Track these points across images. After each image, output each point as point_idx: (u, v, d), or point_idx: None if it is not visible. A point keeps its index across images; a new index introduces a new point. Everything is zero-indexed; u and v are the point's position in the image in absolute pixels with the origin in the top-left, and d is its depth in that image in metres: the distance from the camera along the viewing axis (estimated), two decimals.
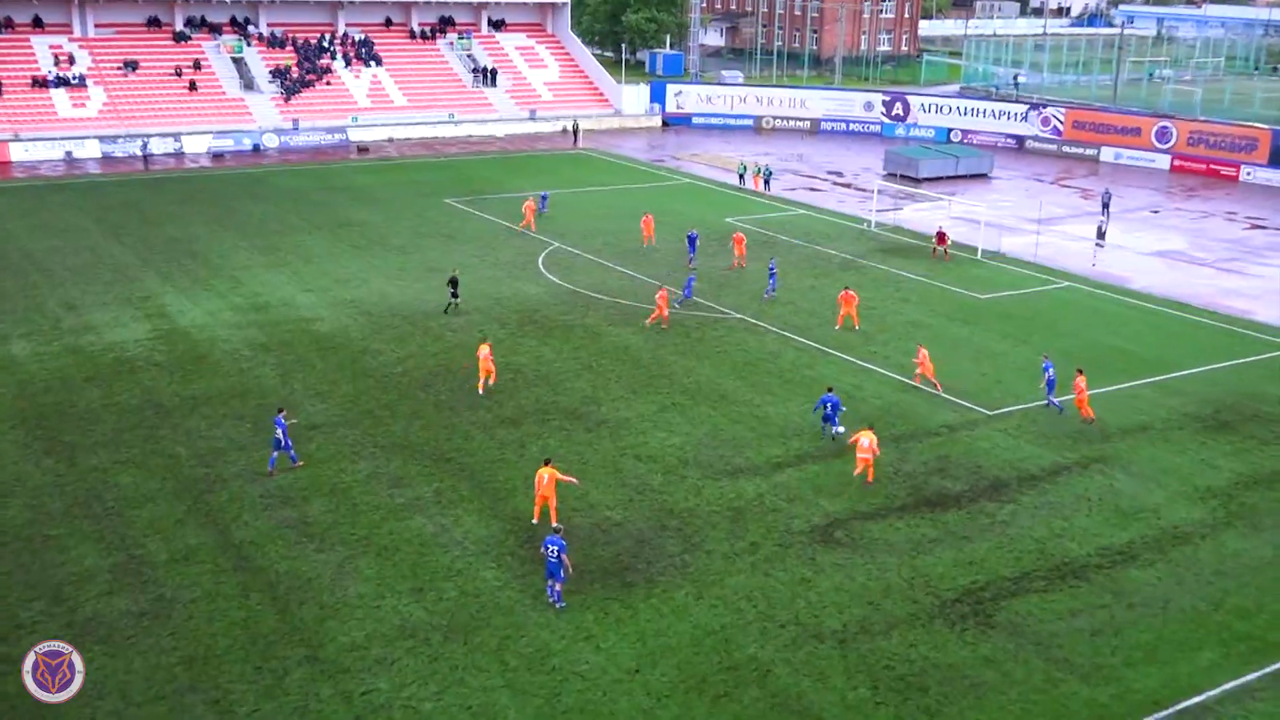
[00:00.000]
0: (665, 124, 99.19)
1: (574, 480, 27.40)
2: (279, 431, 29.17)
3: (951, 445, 31.97)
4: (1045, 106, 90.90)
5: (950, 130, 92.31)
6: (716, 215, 61.94)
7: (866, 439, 29.32)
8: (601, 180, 72.43)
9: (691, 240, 50.77)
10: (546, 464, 26.61)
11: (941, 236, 53.99)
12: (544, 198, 61.28)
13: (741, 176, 71.84)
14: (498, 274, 48.75)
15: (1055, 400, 34.56)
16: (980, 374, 37.51)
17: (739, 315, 43.41)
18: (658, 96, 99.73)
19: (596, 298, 45.30)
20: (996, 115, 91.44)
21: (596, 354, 38.63)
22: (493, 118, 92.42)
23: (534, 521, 26.79)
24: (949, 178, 75.74)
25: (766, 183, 69.62)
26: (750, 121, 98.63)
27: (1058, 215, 64.85)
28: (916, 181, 73.18)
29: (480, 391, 34.52)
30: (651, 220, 55.06)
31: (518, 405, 33.98)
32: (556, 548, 23.48)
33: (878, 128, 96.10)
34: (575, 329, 41.27)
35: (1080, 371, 34.51)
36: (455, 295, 42.70)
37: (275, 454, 29.32)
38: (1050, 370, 34.99)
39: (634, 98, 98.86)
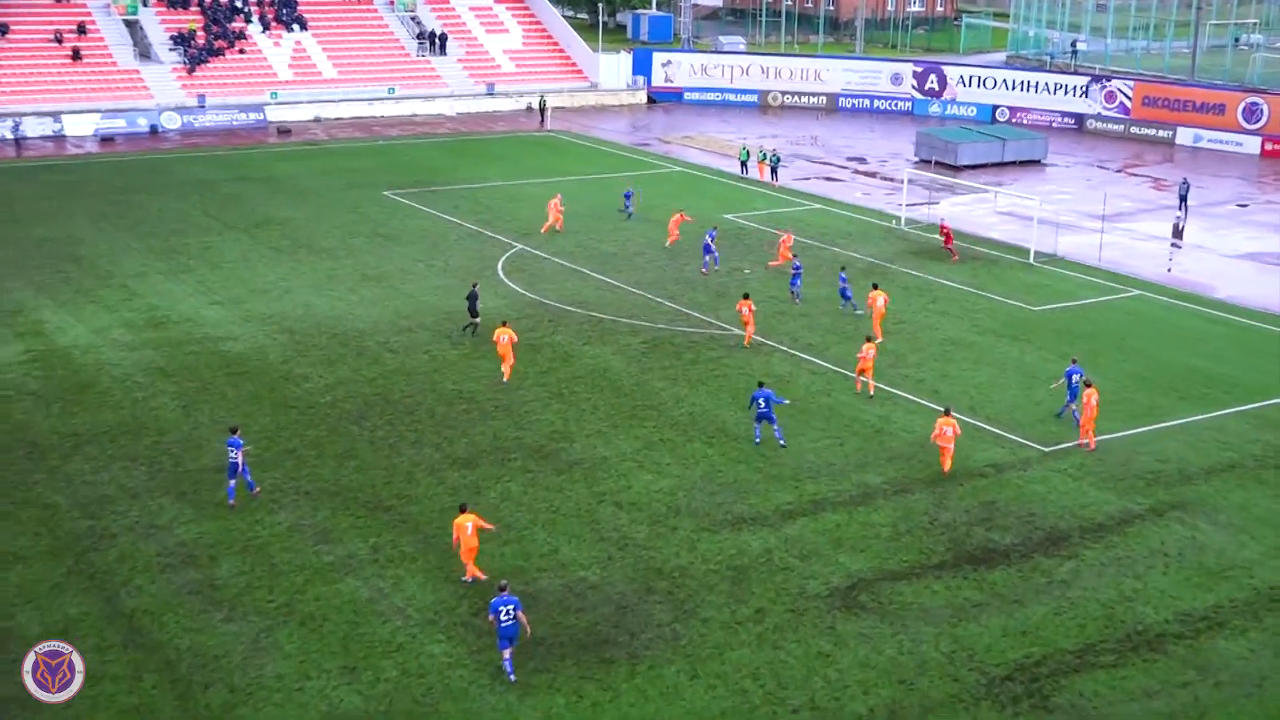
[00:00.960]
0: (651, 101, 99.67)
1: (492, 527, 27.44)
2: (234, 453, 29.75)
3: (999, 489, 32.05)
4: (1110, 79, 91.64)
5: (995, 108, 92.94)
6: (714, 210, 62.13)
7: (950, 427, 32.42)
8: (574, 168, 72.63)
9: (708, 245, 51.15)
10: (464, 511, 26.72)
11: (946, 233, 54.52)
12: (628, 197, 59.94)
13: (744, 164, 72.22)
14: (449, 282, 48.80)
15: (1076, 412, 35.38)
16: (1034, 403, 37.64)
17: (741, 331, 43.50)
18: (642, 68, 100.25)
19: (568, 310, 45.38)
20: (1051, 90, 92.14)
21: (568, 379, 38.64)
22: (442, 93, 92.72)
23: (468, 580, 26.69)
24: (994, 165, 76.28)
25: (774, 171, 69.97)
26: (754, 98, 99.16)
27: (1125, 210, 65.28)
28: (955, 170, 73.68)
29: (505, 380, 38.05)
30: (680, 219, 55.56)
31: (472, 442, 33.93)
32: (511, 606, 23.40)
33: (908, 105, 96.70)
34: (542, 349, 41.30)
35: (1090, 384, 34.74)
36: (475, 313, 42.26)
37: (233, 482, 29.95)
38: (1074, 378, 35.79)
39: (613, 69, 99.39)
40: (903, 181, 64.89)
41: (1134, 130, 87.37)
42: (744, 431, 34.91)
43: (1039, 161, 78.41)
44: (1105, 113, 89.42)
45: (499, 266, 51.30)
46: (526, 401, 36.90)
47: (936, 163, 74.29)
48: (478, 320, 42.50)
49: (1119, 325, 45.74)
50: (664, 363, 40.37)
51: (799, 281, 47.39)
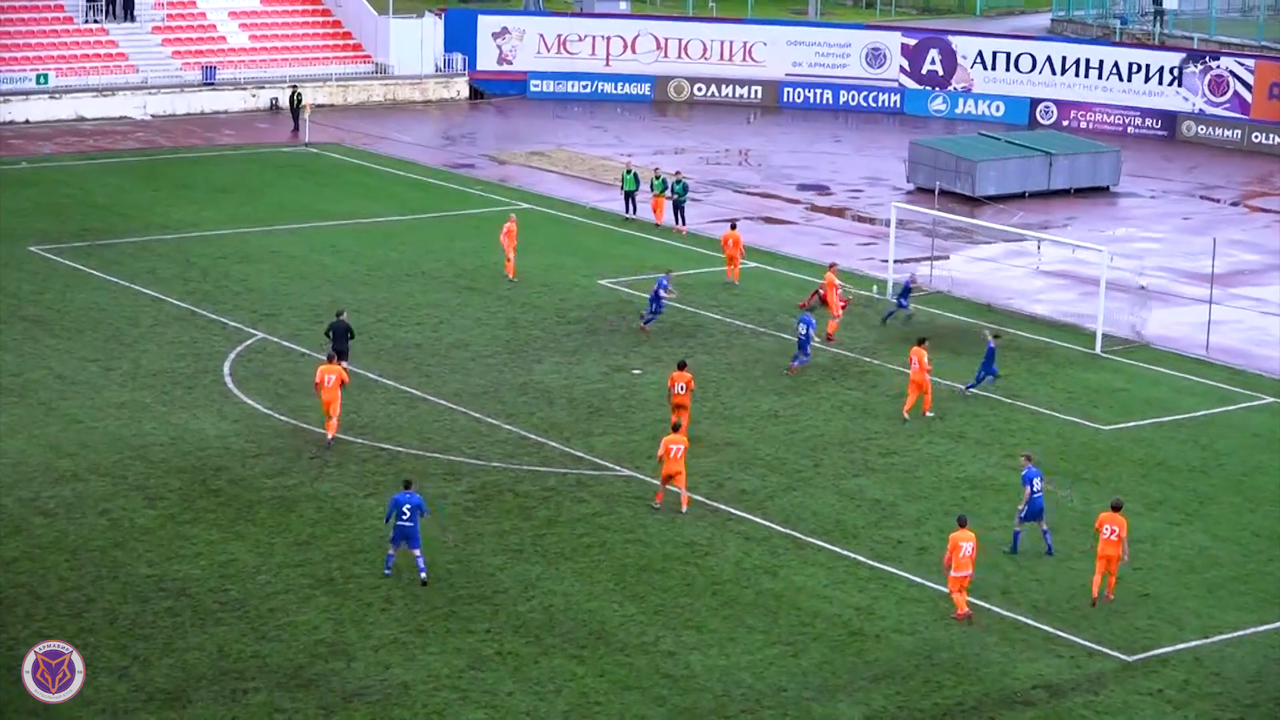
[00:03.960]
0: (477, 94, 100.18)
1: None
2: None
3: None
4: (1217, 56, 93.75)
5: (1036, 103, 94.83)
6: (584, 273, 62.46)
7: (969, 542, 35.62)
8: (349, 207, 72.86)
9: (657, 297, 54.93)
10: None
11: (827, 294, 56.42)
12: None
13: (630, 196, 72.49)
14: (142, 396, 48.45)
15: (1048, 538, 38.55)
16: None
17: (627, 471, 43.64)
18: (461, 41, 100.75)
19: (342, 440, 45.16)
20: (1124, 74, 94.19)
21: (342, 555, 38.32)
22: (129, 82, 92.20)
23: None
24: (1036, 195, 77.71)
25: (678, 210, 70.44)
26: (646, 88, 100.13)
27: (1248, 266, 66.90)
28: (973, 203, 74.76)
29: (330, 438, 44.27)
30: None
31: (181, 664, 33.37)
32: None
33: (895, 99, 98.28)
34: (299, 505, 41.03)
35: (1118, 509, 36.16)
36: (343, 354, 47.71)
37: None
38: (1035, 483, 38.38)
39: (413, 44, 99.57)
40: (888, 224, 65.43)
41: (1257, 138, 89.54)
42: (637, 636, 34.84)
43: (1107, 189, 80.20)
44: (1211, 110, 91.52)
45: (225, 368, 50.91)
46: (274, 593, 36.42)
47: (943, 192, 74.50)
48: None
49: (1241, 454, 46.58)
50: (502, 524, 40.25)
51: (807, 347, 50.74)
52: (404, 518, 36.38)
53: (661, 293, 55.03)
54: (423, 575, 36.62)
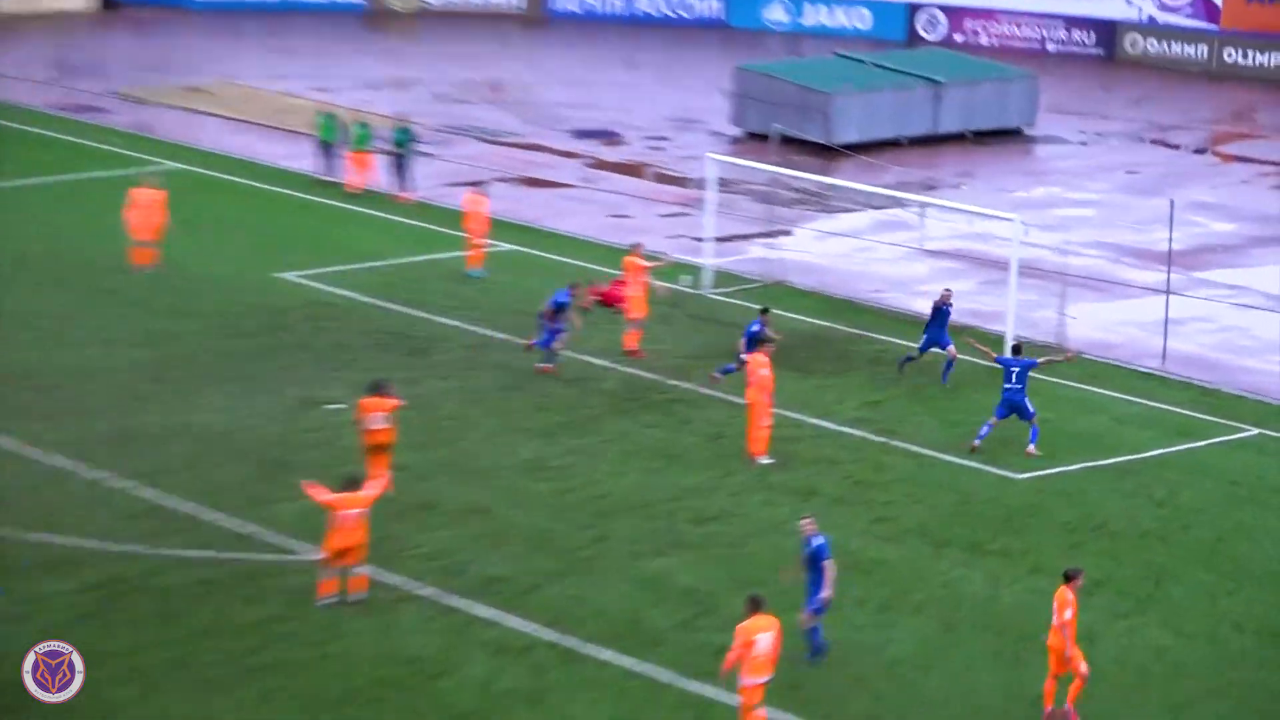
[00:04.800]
0: (110, 4, 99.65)
1: None
2: None
3: None
4: None
5: (916, 10, 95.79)
6: (260, 263, 62.06)
7: (768, 634, 34.94)
8: None
9: (557, 306, 53.93)
10: None
11: (615, 289, 57.70)
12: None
13: (327, 149, 72.51)
14: None
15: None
16: (1027, 695, 37.94)
17: (322, 553, 43.11)
18: None
19: None
20: None
21: None
22: None
23: None
24: (917, 142, 79.16)
25: (400, 164, 70.53)
26: None
27: (1219, 238, 67.89)
28: (828, 153, 75.25)
29: None
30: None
31: None
32: None
33: (715, 6, 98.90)
34: None
35: (1069, 580, 35.86)
36: None
37: None
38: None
39: None
40: (704, 184, 65.80)
41: (1230, 57, 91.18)
42: None
43: (1019, 132, 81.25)
44: (1165, 18, 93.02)
45: None
46: None
47: (785, 139, 75.04)
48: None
49: (1213, 510, 47.06)
50: (135, 637, 39.33)
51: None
52: None
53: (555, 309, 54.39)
54: None
